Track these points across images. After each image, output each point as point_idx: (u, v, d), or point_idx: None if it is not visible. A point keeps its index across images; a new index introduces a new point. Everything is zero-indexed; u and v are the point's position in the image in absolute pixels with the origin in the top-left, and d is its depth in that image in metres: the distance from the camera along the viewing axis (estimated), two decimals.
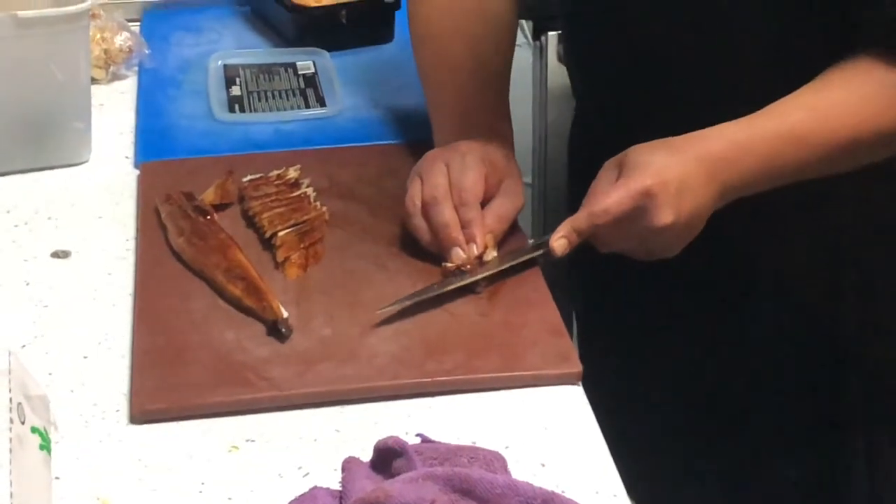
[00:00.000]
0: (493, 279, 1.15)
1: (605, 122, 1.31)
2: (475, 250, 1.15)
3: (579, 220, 1.12)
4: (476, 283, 1.13)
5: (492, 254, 1.16)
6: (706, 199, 1.10)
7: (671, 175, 1.08)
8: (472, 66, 1.28)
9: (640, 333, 1.37)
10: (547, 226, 1.68)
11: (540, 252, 1.16)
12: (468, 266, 1.14)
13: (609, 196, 1.09)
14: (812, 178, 1.13)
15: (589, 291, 1.42)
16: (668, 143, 1.11)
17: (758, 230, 1.24)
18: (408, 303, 1.09)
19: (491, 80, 1.28)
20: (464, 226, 1.15)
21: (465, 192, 1.16)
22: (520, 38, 1.36)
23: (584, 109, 1.39)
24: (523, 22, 1.56)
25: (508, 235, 1.19)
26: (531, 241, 1.18)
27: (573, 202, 1.37)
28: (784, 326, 1.29)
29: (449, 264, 1.15)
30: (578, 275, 1.42)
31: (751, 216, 1.16)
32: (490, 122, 1.25)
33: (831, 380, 1.30)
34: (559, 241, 1.12)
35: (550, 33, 1.67)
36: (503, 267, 1.15)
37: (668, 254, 1.13)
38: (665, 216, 1.08)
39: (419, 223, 1.17)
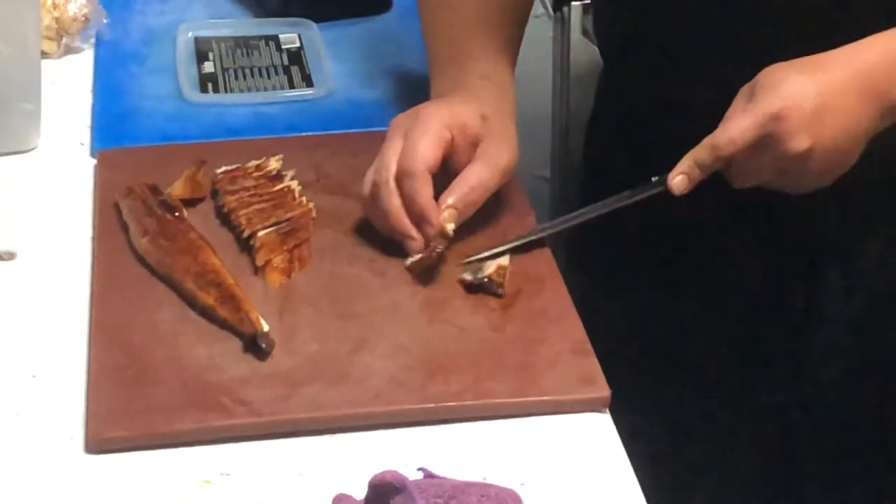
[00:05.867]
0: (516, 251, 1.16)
1: (639, 90, 1.31)
2: (430, 230, 1.13)
3: (701, 152, 1.12)
4: (497, 284, 1.12)
5: (450, 227, 1.13)
6: (859, 119, 1.10)
7: (807, 95, 1.08)
8: (475, 8, 1.27)
9: (671, 348, 1.37)
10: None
11: (652, 191, 1.15)
12: (438, 248, 1.12)
13: (734, 123, 1.10)
14: None
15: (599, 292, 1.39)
16: (808, 60, 1.11)
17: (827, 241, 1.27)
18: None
19: (491, 17, 1.27)
20: (408, 202, 1.13)
21: (408, 161, 1.13)
22: (538, 9, 1.36)
23: (614, 76, 1.39)
24: None
25: (515, 223, 1.18)
26: (654, 179, 1.16)
27: (588, 191, 1.37)
28: (849, 332, 1.32)
29: (407, 262, 1.14)
30: (591, 265, 1.40)
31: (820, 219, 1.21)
32: (482, 68, 1.24)
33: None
34: (678, 179, 1.13)
35: (574, 3, 1.68)
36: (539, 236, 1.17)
37: (819, 184, 1.13)
38: (800, 142, 1.08)
39: (372, 215, 1.16)
